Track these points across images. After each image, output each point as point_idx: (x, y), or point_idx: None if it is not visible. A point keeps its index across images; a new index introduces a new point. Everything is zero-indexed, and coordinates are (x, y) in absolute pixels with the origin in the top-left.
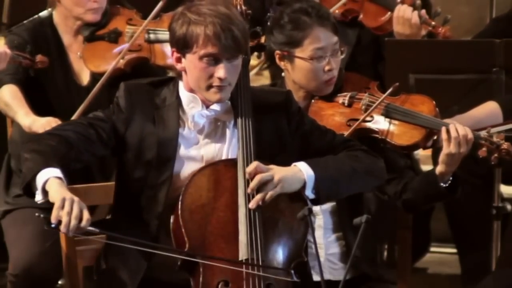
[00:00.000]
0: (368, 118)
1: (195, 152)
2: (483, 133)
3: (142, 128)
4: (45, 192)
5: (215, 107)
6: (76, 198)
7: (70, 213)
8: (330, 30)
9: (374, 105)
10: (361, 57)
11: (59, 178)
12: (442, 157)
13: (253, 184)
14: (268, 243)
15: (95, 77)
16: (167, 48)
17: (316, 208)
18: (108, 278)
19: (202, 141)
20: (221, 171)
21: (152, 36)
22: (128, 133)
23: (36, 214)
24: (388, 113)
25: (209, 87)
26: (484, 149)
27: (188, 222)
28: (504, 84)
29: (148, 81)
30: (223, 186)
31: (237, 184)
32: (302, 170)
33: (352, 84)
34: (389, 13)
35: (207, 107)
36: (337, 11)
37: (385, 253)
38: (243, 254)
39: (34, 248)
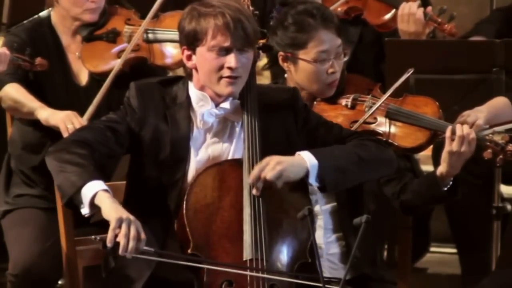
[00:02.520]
0: (371, 120)
1: (203, 151)
2: (488, 135)
3: (155, 127)
4: (92, 206)
5: (225, 105)
6: (131, 217)
7: (128, 235)
8: (334, 33)
9: (378, 103)
10: (363, 55)
11: (107, 191)
12: (444, 155)
13: (253, 173)
14: (272, 243)
15: (93, 77)
16: (166, 48)
17: (316, 209)
18: (117, 277)
19: (209, 140)
20: (226, 171)
21: (150, 36)
22: (143, 133)
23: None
24: (391, 115)
25: (220, 79)
26: (489, 150)
27: (192, 221)
28: (504, 84)
29: (157, 80)
30: (228, 186)
31: (242, 184)
32: (305, 158)
33: (354, 85)
34: (393, 10)
35: (217, 105)
36: (339, 8)
37: (385, 253)
38: (247, 254)
39: (34, 248)
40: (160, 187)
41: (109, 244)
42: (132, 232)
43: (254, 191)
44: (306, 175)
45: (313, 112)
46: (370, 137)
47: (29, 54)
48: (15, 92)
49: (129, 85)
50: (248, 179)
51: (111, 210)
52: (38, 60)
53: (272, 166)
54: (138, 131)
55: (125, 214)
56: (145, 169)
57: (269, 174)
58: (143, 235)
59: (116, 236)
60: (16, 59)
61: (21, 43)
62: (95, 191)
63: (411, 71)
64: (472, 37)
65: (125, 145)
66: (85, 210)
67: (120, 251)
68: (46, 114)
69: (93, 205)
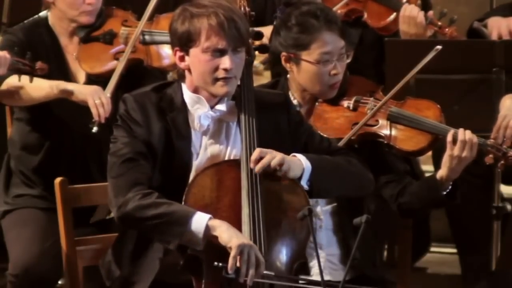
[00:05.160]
0: (373, 123)
1: (202, 153)
2: (490, 140)
3: (160, 135)
4: (205, 238)
5: (220, 107)
6: (251, 243)
7: (248, 261)
8: (337, 34)
9: (379, 104)
10: (364, 57)
11: (212, 218)
12: (445, 158)
13: (254, 156)
14: (271, 244)
15: (90, 78)
16: (163, 49)
17: (317, 210)
18: (122, 284)
19: (207, 142)
20: (224, 172)
21: (147, 37)
22: (152, 144)
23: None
24: (393, 118)
25: (215, 80)
26: (490, 156)
27: None
28: (504, 84)
29: (150, 88)
30: (226, 187)
31: (240, 185)
32: (301, 160)
33: (356, 87)
34: (394, 14)
35: (212, 107)
36: (339, 10)
37: (385, 253)
38: None
39: (34, 248)
40: (167, 193)
41: (230, 271)
42: (252, 258)
43: (253, 166)
44: (300, 176)
45: (305, 120)
46: (355, 155)
47: (29, 58)
48: (20, 79)
49: (124, 97)
50: (246, 179)
51: (231, 237)
52: (39, 64)
53: (276, 155)
54: (148, 142)
55: (245, 239)
56: (153, 176)
57: (273, 160)
58: (262, 260)
59: (236, 262)
60: (16, 63)
61: (19, 43)
62: (205, 224)
63: (439, 48)
64: (485, 21)
65: (151, 161)
66: (200, 247)
67: (241, 279)
68: (77, 89)
69: (205, 238)
